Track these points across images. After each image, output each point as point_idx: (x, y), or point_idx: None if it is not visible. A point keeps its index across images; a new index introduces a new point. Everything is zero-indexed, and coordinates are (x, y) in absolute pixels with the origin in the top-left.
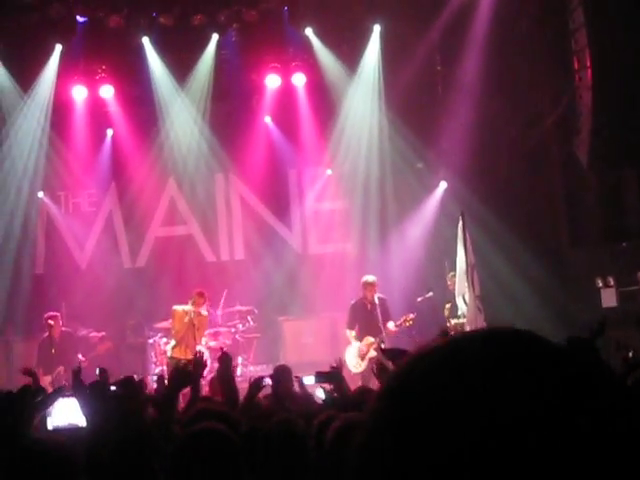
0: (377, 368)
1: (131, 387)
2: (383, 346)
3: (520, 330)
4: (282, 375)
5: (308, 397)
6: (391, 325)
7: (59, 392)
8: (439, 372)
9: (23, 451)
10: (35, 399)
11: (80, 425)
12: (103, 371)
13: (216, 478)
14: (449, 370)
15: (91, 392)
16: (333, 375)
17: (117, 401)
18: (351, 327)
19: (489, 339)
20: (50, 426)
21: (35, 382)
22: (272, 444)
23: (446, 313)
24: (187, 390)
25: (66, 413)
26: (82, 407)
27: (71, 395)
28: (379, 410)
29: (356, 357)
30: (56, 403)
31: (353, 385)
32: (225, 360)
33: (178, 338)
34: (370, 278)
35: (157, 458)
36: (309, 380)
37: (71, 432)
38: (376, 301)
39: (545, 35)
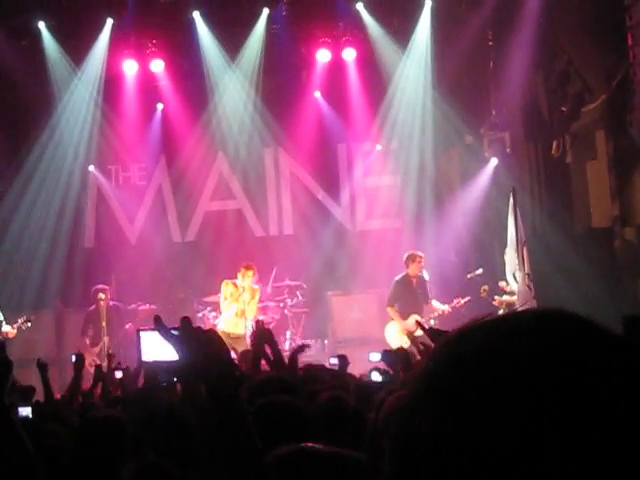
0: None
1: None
2: (428, 324)
3: (572, 313)
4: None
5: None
6: (438, 304)
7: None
8: (491, 346)
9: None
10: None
11: (170, 360)
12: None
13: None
14: (502, 346)
15: (179, 332)
16: (401, 355)
17: (206, 339)
18: (391, 304)
19: (541, 321)
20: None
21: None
22: (322, 419)
23: (483, 294)
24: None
25: (155, 348)
26: (173, 345)
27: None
28: (432, 373)
29: (400, 334)
30: (145, 338)
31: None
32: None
33: (228, 312)
34: (416, 252)
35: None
36: (375, 357)
37: (162, 366)
38: (425, 276)
39: (599, 11)
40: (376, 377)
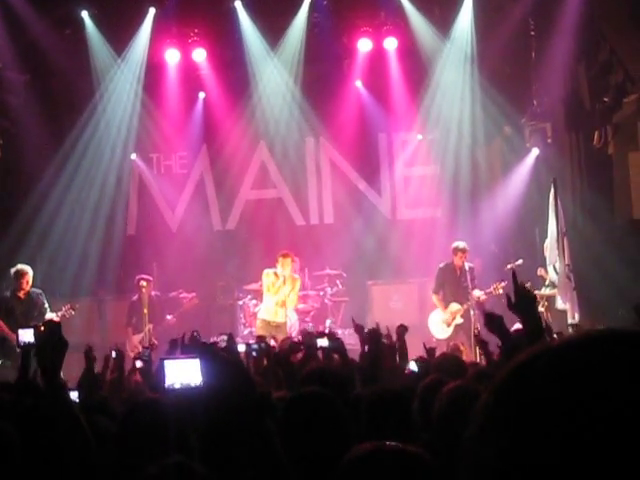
0: (477, 340)
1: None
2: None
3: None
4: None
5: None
6: (479, 293)
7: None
8: (559, 377)
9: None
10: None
11: (194, 385)
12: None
13: (323, 443)
14: (572, 378)
15: (208, 352)
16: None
17: (232, 362)
18: (437, 291)
19: (608, 345)
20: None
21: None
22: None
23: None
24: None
25: (179, 373)
26: (203, 366)
27: (177, 357)
28: (492, 405)
29: (441, 323)
30: (168, 364)
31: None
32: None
33: (269, 301)
34: (461, 244)
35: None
36: (413, 366)
37: (186, 391)
38: (466, 268)
39: None
40: (413, 367)
